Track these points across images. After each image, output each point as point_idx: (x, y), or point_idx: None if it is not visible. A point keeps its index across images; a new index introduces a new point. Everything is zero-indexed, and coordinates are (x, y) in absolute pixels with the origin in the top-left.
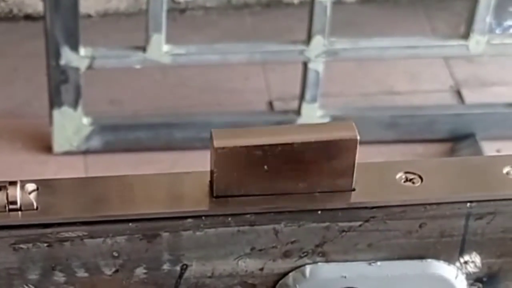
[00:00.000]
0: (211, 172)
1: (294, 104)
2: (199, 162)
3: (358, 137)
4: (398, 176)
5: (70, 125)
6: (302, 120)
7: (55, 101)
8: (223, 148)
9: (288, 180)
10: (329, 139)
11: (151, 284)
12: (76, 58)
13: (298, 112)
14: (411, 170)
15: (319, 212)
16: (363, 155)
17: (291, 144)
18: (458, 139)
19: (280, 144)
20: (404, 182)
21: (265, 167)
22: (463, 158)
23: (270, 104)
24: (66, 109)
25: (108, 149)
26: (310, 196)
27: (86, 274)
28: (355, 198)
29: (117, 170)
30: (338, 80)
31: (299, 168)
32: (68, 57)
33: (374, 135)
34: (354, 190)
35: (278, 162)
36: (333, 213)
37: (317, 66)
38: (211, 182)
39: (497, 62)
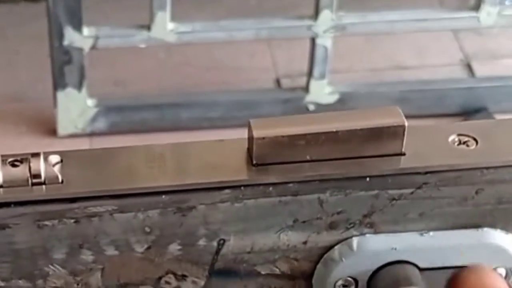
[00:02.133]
0: (250, 140)
1: (302, 81)
2: None
3: (406, 124)
4: (450, 139)
5: (75, 107)
6: (310, 97)
7: (59, 83)
8: (263, 138)
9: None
10: (376, 126)
11: (186, 261)
12: (79, 38)
13: (306, 89)
14: (464, 132)
15: (367, 179)
16: None
17: (335, 132)
18: (470, 113)
19: (323, 132)
20: (458, 145)
21: (308, 157)
22: None
23: (278, 81)
24: (70, 91)
25: (113, 130)
26: (357, 161)
27: (116, 252)
28: (406, 162)
29: None
30: (346, 56)
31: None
32: (71, 37)
33: None
34: (404, 154)
35: (321, 151)
36: (382, 180)
37: (325, 41)
38: (249, 149)
39: (508, 34)
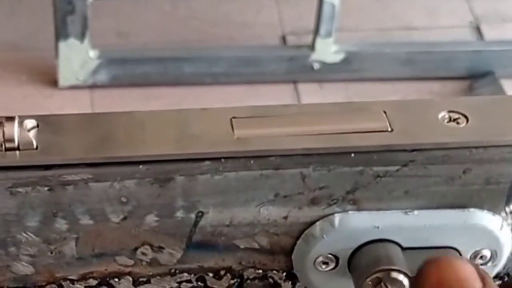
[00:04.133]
0: (233, 109)
1: (307, 39)
2: (209, 98)
3: (390, 129)
4: (440, 115)
5: (76, 58)
6: (316, 55)
7: (61, 33)
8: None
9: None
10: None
11: (163, 233)
12: None
13: (312, 47)
14: (455, 109)
15: (352, 154)
16: (378, 92)
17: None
18: (477, 77)
19: (308, 134)
20: (448, 122)
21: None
22: None
23: (283, 38)
24: (72, 42)
25: (115, 83)
26: (343, 136)
27: (91, 222)
28: (393, 139)
29: (124, 105)
30: (354, 15)
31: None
32: None
33: (389, 72)
34: (391, 130)
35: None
36: (368, 156)
37: None
38: (232, 120)
39: None
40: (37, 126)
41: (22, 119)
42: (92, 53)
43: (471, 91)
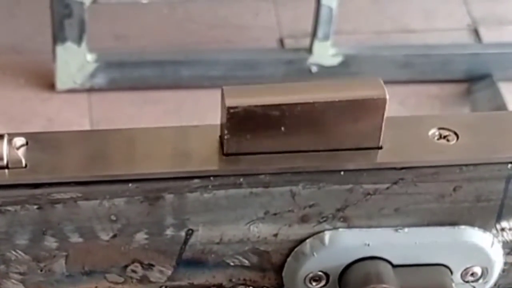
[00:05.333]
0: (222, 127)
1: (305, 42)
2: (207, 101)
3: (388, 96)
4: (431, 132)
5: (74, 62)
6: (314, 58)
7: (58, 37)
8: (236, 107)
9: (307, 141)
10: (355, 98)
11: (153, 251)
12: None
13: (309, 50)
14: (445, 125)
15: (342, 172)
16: None
17: (312, 103)
18: (475, 80)
19: (299, 103)
20: (438, 139)
21: (283, 128)
22: (505, 113)
23: (281, 41)
24: (69, 45)
25: (112, 86)
26: (332, 154)
27: (80, 239)
28: (382, 157)
29: (121, 108)
30: (351, 17)
31: (320, 129)
32: None
33: (387, 75)
34: (381, 148)
35: (297, 123)
36: (357, 174)
37: (330, 2)
38: (221, 137)
39: None
40: (26, 143)
41: (11, 136)
42: (90, 57)
43: (469, 94)
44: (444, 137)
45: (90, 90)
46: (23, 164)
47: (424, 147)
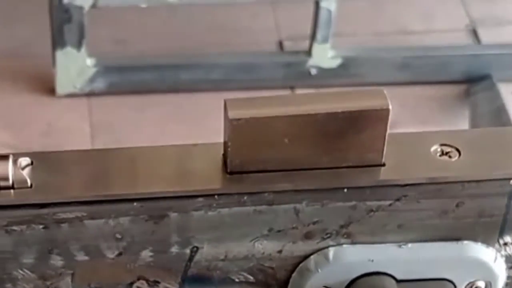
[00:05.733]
0: (225, 145)
1: (304, 44)
2: (207, 105)
3: (390, 107)
4: (433, 149)
5: (74, 67)
6: (313, 61)
7: (58, 42)
8: (239, 119)
9: (311, 154)
10: (358, 109)
11: (158, 268)
12: None
13: (308, 52)
14: (447, 142)
15: (345, 190)
16: None
17: (315, 114)
18: (474, 81)
19: (302, 115)
20: (440, 156)
21: (286, 140)
22: (507, 129)
23: (280, 44)
24: (69, 50)
25: (112, 91)
26: (335, 172)
27: (86, 258)
28: (385, 174)
29: (121, 112)
30: (350, 20)
31: (324, 141)
32: None
33: (386, 76)
34: (384, 165)
35: (300, 134)
36: (361, 191)
37: (329, 4)
38: (224, 156)
39: None
40: (31, 163)
41: (16, 157)
42: (89, 61)
43: (469, 95)
44: (446, 153)
45: (90, 94)
46: (29, 184)
47: (426, 164)
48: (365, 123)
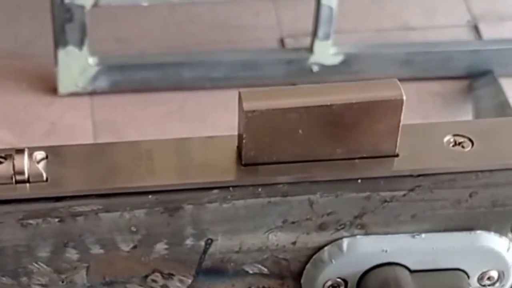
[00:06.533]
0: (239, 137)
1: (306, 41)
2: (209, 103)
3: (404, 97)
4: (446, 139)
5: (76, 65)
6: (315, 58)
7: (59, 41)
8: (254, 111)
9: (325, 145)
10: (372, 100)
11: (173, 261)
12: None
13: (310, 49)
14: (460, 132)
15: (359, 181)
16: None
17: (330, 105)
18: (476, 76)
19: (317, 106)
20: (453, 146)
21: (300, 131)
22: None
23: (282, 41)
24: (71, 49)
25: (115, 89)
26: (349, 163)
27: (101, 251)
28: (399, 165)
29: (124, 111)
30: (351, 16)
31: (338, 132)
32: None
33: (388, 73)
34: (397, 155)
35: (315, 125)
36: (374, 182)
37: (330, 1)
38: (239, 148)
39: None
40: (46, 157)
41: (31, 151)
42: (91, 60)
43: (471, 91)
44: (459, 143)
45: (92, 93)
46: (44, 178)
47: (439, 154)
48: (379, 114)
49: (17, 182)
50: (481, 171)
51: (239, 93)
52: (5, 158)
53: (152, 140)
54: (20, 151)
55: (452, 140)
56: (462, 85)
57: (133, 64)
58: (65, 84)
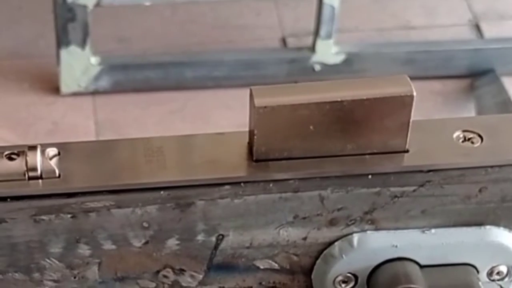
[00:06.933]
0: (251, 133)
1: (308, 41)
2: (211, 102)
3: (415, 93)
4: (455, 135)
5: (78, 65)
6: (316, 57)
7: (62, 40)
8: (265, 107)
9: (335, 141)
10: (383, 96)
11: (184, 256)
12: None
13: (312, 48)
14: (470, 128)
15: (369, 176)
16: None
17: (341, 101)
18: (477, 75)
19: (328, 102)
20: (463, 142)
21: (311, 127)
22: None
23: (283, 40)
24: (73, 49)
25: (117, 89)
26: (360, 158)
27: (113, 247)
28: (409, 160)
29: (126, 110)
30: (353, 15)
31: (349, 128)
32: None
33: (390, 72)
34: (407, 151)
35: (326, 121)
36: (385, 177)
37: (332, 0)
38: (250, 144)
39: None
40: (59, 154)
41: (44, 147)
42: (94, 60)
43: (473, 90)
44: (469, 139)
45: (95, 93)
46: (57, 174)
47: (449, 150)
48: (390, 110)
49: (29, 178)
50: (491, 167)
51: (250, 90)
52: (17, 154)
53: (163, 136)
54: (33, 147)
55: (461, 136)
56: (463, 84)
57: (135, 64)
58: (67, 84)
